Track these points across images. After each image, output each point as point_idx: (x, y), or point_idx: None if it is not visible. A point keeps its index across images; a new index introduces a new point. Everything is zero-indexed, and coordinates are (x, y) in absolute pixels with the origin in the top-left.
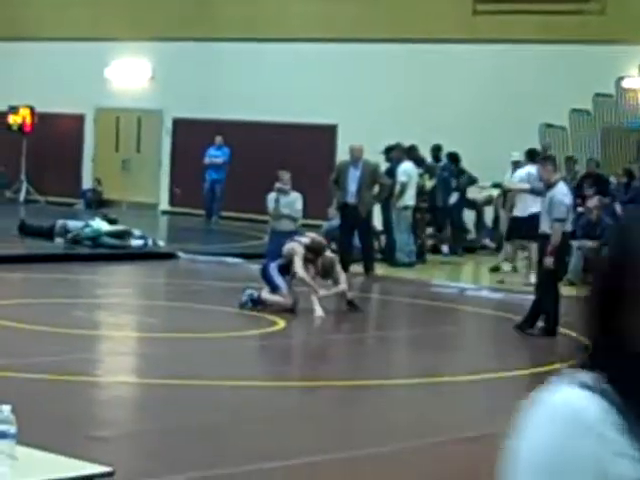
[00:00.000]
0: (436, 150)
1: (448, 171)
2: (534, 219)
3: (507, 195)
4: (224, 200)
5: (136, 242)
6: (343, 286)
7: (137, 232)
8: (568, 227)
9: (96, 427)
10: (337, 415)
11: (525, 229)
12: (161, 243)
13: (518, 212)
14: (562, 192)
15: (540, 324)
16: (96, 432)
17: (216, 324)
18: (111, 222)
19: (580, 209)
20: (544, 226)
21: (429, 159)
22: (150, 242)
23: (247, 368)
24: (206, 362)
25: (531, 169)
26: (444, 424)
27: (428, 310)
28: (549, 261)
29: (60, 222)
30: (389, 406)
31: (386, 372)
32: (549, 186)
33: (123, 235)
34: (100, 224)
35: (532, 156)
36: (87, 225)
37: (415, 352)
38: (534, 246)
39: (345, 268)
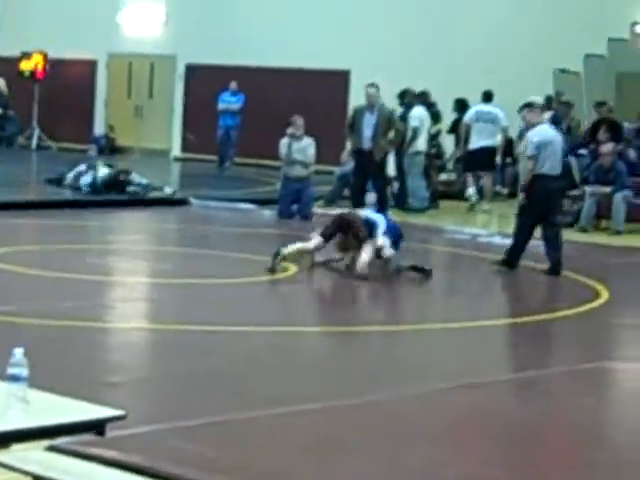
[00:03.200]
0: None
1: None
2: (485, 151)
3: (458, 130)
4: (237, 146)
5: (134, 188)
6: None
7: (137, 178)
8: (551, 170)
9: (108, 372)
10: (351, 360)
11: (476, 161)
12: (167, 189)
13: (471, 145)
14: (535, 132)
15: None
16: (108, 377)
17: (228, 270)
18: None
19: (584, 151)
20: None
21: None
22: (149, 186)
23: (259, 314)
24: (218, 308)
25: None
26: (453, 369)
27: (440, 255)
28: (520, 197)
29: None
30: (402, 350)
31: (397, 317)
32: (531, 127)
33: (121, 181)
34: (100, 170)
35: (487, 97)
36: (87, 171)
37: (426, 298)
38: (488, 177)
39: None
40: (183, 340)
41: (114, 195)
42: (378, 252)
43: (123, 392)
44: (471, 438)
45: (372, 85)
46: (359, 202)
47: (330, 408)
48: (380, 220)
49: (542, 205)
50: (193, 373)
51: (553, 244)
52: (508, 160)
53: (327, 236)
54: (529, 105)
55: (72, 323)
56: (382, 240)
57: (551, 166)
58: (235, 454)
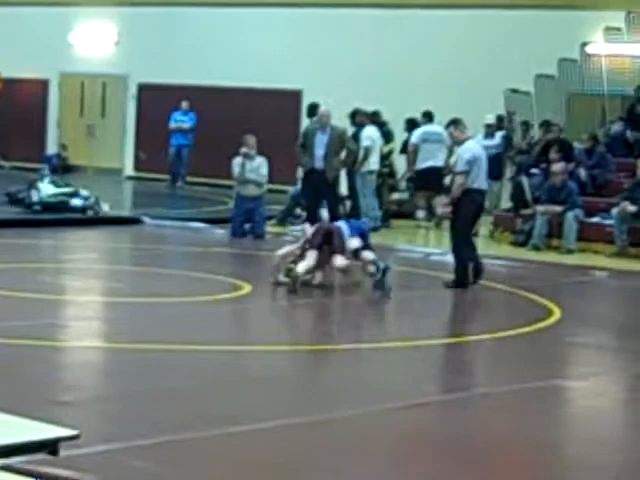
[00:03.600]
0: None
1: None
2: (432, 172)
3: (407, 150)
4: (190, 165)
5: (75, 202)
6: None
7: (84, 193)
8: (481, 184)
9: (61, 392)
10: (304, 379)
11: (425, 181)
12: (105, 207)
13: (419, 165)
14: (465, 148)
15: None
16: (61, 397)
17: (181, 289)
18: (58, 185)
19: (535, 171)
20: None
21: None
22: (92, 202)
23: (213, 332)
24: (172, 326)
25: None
26: (402, 388)
27: (392, 275)
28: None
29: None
30: (355, 369)
31: (351, 336)
32: (459, 144)
33: (67, 197)
34: (46, 187)
35: (429, 117)
36: (34, 187)
37: (379, 316)
38: (437, 198)
39: None
40: (137, 359)
41: (66, 214)
42: (355, 254)
43: (77, 411)
44: (421, 457)
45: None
46: (315, 220)
47: (284, 427)
48: (342, 225)
49: (472, 217)
50: (148, 392)
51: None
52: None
53: (318, 247)
54: (455, 122)
55: (25, 342)
56: (355, 241)
57: (481, 181)
58: (191, 474)
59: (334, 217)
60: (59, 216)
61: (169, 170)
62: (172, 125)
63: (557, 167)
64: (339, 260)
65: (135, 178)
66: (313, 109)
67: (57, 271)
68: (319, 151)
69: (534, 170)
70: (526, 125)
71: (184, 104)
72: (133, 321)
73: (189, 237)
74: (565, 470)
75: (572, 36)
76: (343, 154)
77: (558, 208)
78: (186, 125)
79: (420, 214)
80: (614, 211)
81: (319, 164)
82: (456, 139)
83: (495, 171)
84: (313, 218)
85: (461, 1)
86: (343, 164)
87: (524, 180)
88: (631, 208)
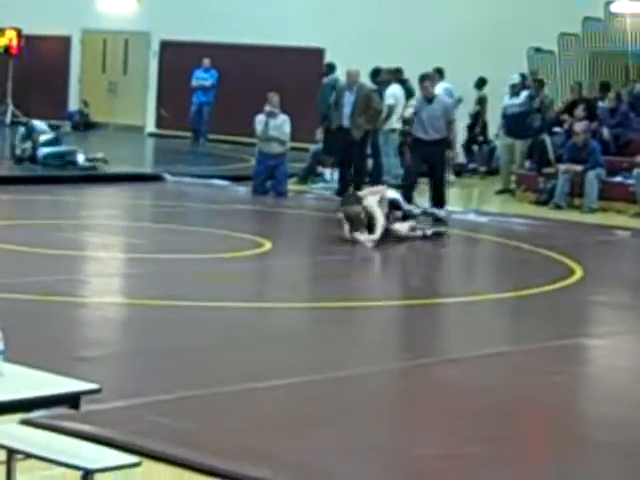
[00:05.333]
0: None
1: None
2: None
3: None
4: (211, 123)
5: (82, 161)
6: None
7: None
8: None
9: (83, 347)
10: (322, 336)
11: None
12: (80, 159)
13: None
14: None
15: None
16: (83, 352)
17: (202, 245)
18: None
19: (558, 129)
20: None
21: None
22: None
23: (233, 289)
24: (192, 283)
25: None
26: (427, 345)
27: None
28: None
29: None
30: (373, 327)
31: (370, 293)
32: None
33: (65, 155)
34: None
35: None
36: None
37: (400, 273)
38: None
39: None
40: (158, 315)
41: (88, 170)
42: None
43: (98, 367)
44: (444, 414)
45: (424, 77)
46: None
47: (301, 384)
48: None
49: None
50: (168, 348)
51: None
52: (481, 138)
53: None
54: (430, 77)
55: (47, 298)
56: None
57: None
58: (209, 429)
59: (359, 173)
60: (81, 173)
61: (191, 127)
62: (194, 83)
63: (579, 126)
64: (403, 226)
65: (157, 135)
66: (330, 68)
67: (78, 227)
68: (346, 109)
69: (557, 129)
70: (540, 83)
71: (206, 61)
72: (154, 278)
73: (211, 194)
74: (584, 429)
75: None
76: (369, 113)
77: (579, 167)
78: (207, 83)
79: None
80: (635, 171)
81: (346, 122)
82: (431, 95)
83: (521, 129)
84: (343, 175)
85: None
86: (368, 123)
87: (547, 138)
88: None
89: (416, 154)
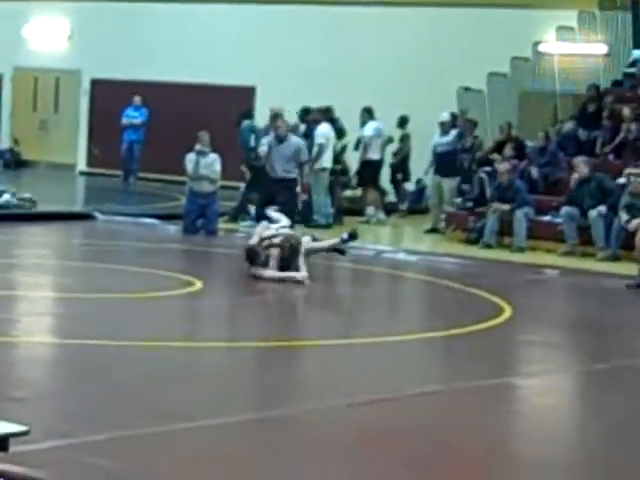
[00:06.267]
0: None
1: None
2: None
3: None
4: (142, 161)
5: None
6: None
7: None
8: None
9: (12, 387)
10: (251, 376)
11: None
12: (26, 194)
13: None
14: None
15: None
16: (11, 392)
17: (133, 285)
18: None
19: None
20: None
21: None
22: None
23: (163, 329)
24: (123, 322)
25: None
26: (356, 385)
27: (344, 271)
28: None
29: None
30: (302, 367)
31: (301, 333)
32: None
33: None
34: None
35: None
36: None
37: (326, 313)
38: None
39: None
40: (88, 355)
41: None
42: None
43: (27, 407)
44: (375, 455)
45: (277, 116)
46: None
47: (232, 424)
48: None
49: None
50: (98, 388)
51: None
52: (400, 176)
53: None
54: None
55: None
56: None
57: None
58: (141, 469)
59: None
60: (11, 212)
61: (122, 166)
62: (124, 121)
63: (503, 166)
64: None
65: (88, 173)
66: (247, 114)
67: (8, 266)
68: (278, 165)
69: (486, 168)
70: (473, 123)
71: (136, 99)
72: (84, 317)
73: (141, 233)
74: (516, 469)
75: (525, 35)
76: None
77: (507, 206)
78: (138, 121)
79: (369, 210)
80: (562, 210)
81: (280, 174)
82: (283, 134)
83: (450, 168)
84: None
85: None
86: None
87: (484, 176)
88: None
89: (263, 188)
